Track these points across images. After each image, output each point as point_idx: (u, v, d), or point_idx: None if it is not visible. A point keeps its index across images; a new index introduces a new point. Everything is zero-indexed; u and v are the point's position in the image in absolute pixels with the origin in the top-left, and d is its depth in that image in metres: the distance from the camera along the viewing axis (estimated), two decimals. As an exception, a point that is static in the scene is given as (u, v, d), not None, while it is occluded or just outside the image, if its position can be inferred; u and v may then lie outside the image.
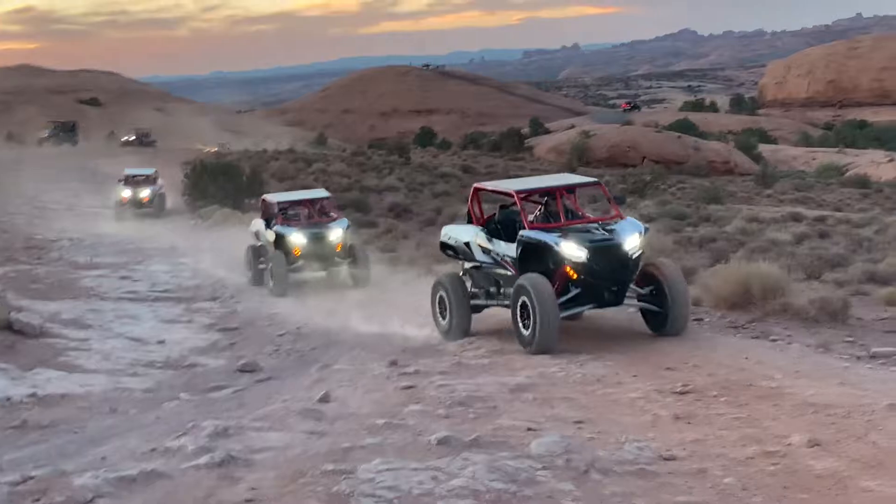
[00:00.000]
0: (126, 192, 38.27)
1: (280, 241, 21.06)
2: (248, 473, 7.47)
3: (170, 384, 12.94)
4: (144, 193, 38.70)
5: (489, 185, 15.24)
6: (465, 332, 14.12)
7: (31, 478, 7.72)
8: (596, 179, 14.91)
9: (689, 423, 8.85)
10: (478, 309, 14.34)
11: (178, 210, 38.89)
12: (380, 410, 9.56)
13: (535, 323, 12.12)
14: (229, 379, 13.00)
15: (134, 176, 39.61)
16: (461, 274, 14.66)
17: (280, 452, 8.05)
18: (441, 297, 14.37)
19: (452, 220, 29.40)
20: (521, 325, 12.48)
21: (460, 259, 14.68)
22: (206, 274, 23.34)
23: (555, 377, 10.94)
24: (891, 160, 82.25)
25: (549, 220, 13.37)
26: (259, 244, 22.23)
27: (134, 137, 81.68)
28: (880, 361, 11.57)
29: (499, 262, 13.57)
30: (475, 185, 14.96)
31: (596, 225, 13.04)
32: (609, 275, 12.50)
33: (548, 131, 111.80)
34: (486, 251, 13.84)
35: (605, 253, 12.45)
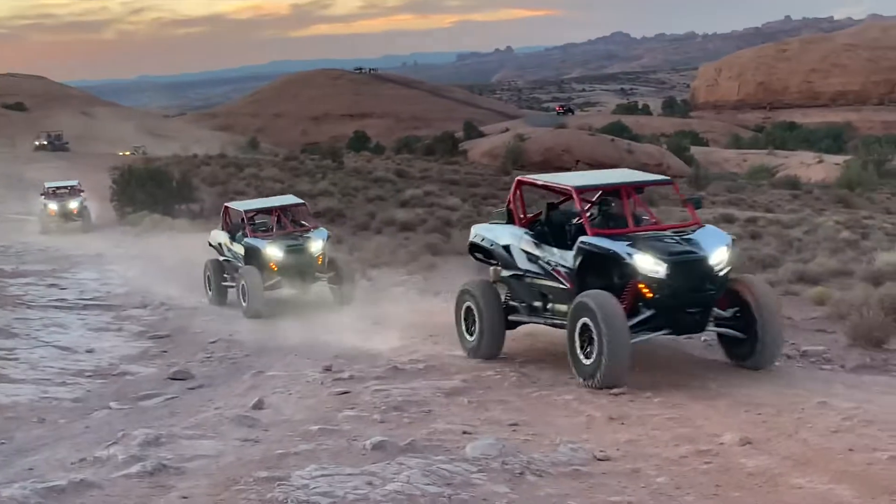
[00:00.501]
0: (53, 205, 37.37)
1: (252, 255, 18.99)
2: (181, 482, 7.37)
3: (99, 393, 12.74)
4: (73, 205, 37.71)
5: (538, 178, 12.94)
6: (497, 350, 12.28)
7: (-44, 491, 7.55)
8: (668, 178, 13.31)
9: (622, 423, 8.91)
10: (513, 325, 12.46)
11: (104, 217, 38.44)
12: (314, 416, 9.51)
13: (600, 351, 10.01)
14: (160, 387, 12.83)
15: (57, 188, 38.70)
16: (492, 282, 12.60)
17: (213, 460, 7.96)
18: (469, 308, 12.46)
19: (386, 226, 29.39)
20: (579, 352, 10.44)
21: (493, 265, 12.62)
22: (136, 282, 23.03)
23: (490, 380, 10.96)
24: (820, 161, 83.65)
25: (608, 225, 11.34)
26: (222, 259, 20.25)
27: (46, 142, 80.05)
28: (811, 360, 11.77)
29: (549, 272, 11.45)
30: (519, 178, 12.75)
31: (669, 233, 11.06)
32: (691, 294, 10.48)
33: (482, 135, 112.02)
34: (532, 258, 11.73)
35: (688, 268, 10.44)
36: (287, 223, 19.85)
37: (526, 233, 11.94)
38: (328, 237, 19.65)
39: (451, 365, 11.94)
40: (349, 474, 7.21)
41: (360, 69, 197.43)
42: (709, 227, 11.29)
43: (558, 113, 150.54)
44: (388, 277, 21.00)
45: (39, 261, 27.05)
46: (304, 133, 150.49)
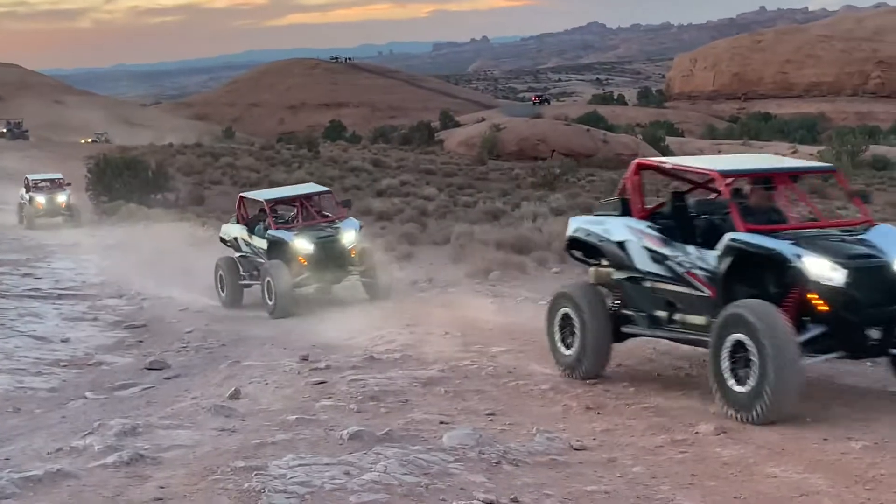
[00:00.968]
0: (40, 199, 36.19)
1: (277, 248, 17.41)
2: (157, 472, 7.36)
3: (75, 383, 12.70)
4: (61, 199, 36.50)
5: (665, 161, 11.07)
6: (602, 367, 10.31)
7: (-68, 481, 7.52)
8: (830, 165, 11.80)
9: (599, 413, 8.95)
10: (623, 337, 10.33)
11: (79, 206, 38.12)
12: (291, 406, 9.50)
13: (762, 376, 8.10)
14: (137, 377, 12.80)
15: (41, 181, 37.49)
16: (595, 284, 10.59)
17: (190, 450, 7.94)
18: (566, 315, 10.46)
19: (363, 215, 29.36)
20: (730, 376, 8.47)
21: (597, 266, 10.59)
22: (111, 272, 22.94)
23: (467, 370, 10.96)
24: (794, 152, 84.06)
25: (751, 219, 9.16)
26: (239, 255, 18.65)
27: (5, 129, 78.77)
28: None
29: (680, 275, 9.41)
30: (638, 160, 10.79)
31: (836, 231, 9.28)
32: (875, 309, 8.51)
33: (458, 125, 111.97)
34: (657, 258, 9.66)
35: (871, 276, 8.51)
36: (314, 213, 18.41)
37: (649, 226, 9.84)
38: (360, 227, 18.25)
39: (428, 355, 11.93)
40: (326, 464, 7.22)
41: (337, 58, 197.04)
42: (883, 226, 9.34)
43: (534, 103, 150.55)
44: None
45: (14, 250, 26.90)
46: (280, 122, 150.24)
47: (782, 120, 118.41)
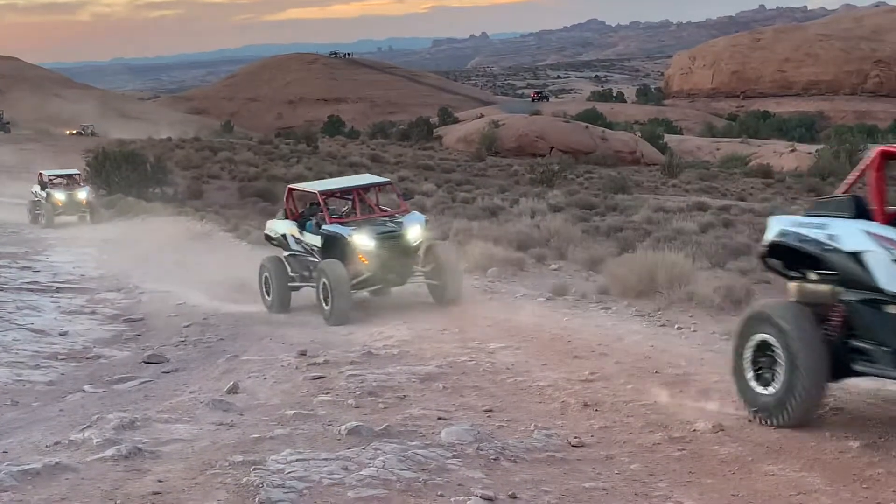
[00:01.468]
0: (60, 196, 34.11)
1: (333, 246, 15.40)
2: (156, 466, 7.36)
3: (73, 376, 12.69)
4: (82, 196, 34.57)
5: None
6: (814, 411, 7.92)
7: (-70, 473, 7.52)
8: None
9: (597, 410, 8.93)
10: (844, 374, 7.88)
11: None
12: (289, 401, 9.50)
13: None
14: (135, 370, 12.78)
15: (57, 177, 35.38)
16: (801, 303, 8.13)
17: (188, 444, 7.95)
18: (764, 343, 8.10)
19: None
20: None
21: (796, 278, 8.41)
22: (110, 265, 22.93)
23: (465, 366, 10.96)
24: (793, 150, 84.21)
25: None
26: (287, 254, 16.83)
27: None
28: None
29: None
30: (883, 147, 7.85)
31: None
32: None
33: (457, 121, 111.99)
34: None
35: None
36: (374, 206, 16.22)
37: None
38: (426, 221, 16.05)
39: (426, 350, 11.94)
40: (325, 459, 7.22)
41: (336, 53, 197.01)
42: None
43: (533, 100, 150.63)
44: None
45: (13, 243, 26.88)
46: (278, 117, 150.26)
47: (781, 118, 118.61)
